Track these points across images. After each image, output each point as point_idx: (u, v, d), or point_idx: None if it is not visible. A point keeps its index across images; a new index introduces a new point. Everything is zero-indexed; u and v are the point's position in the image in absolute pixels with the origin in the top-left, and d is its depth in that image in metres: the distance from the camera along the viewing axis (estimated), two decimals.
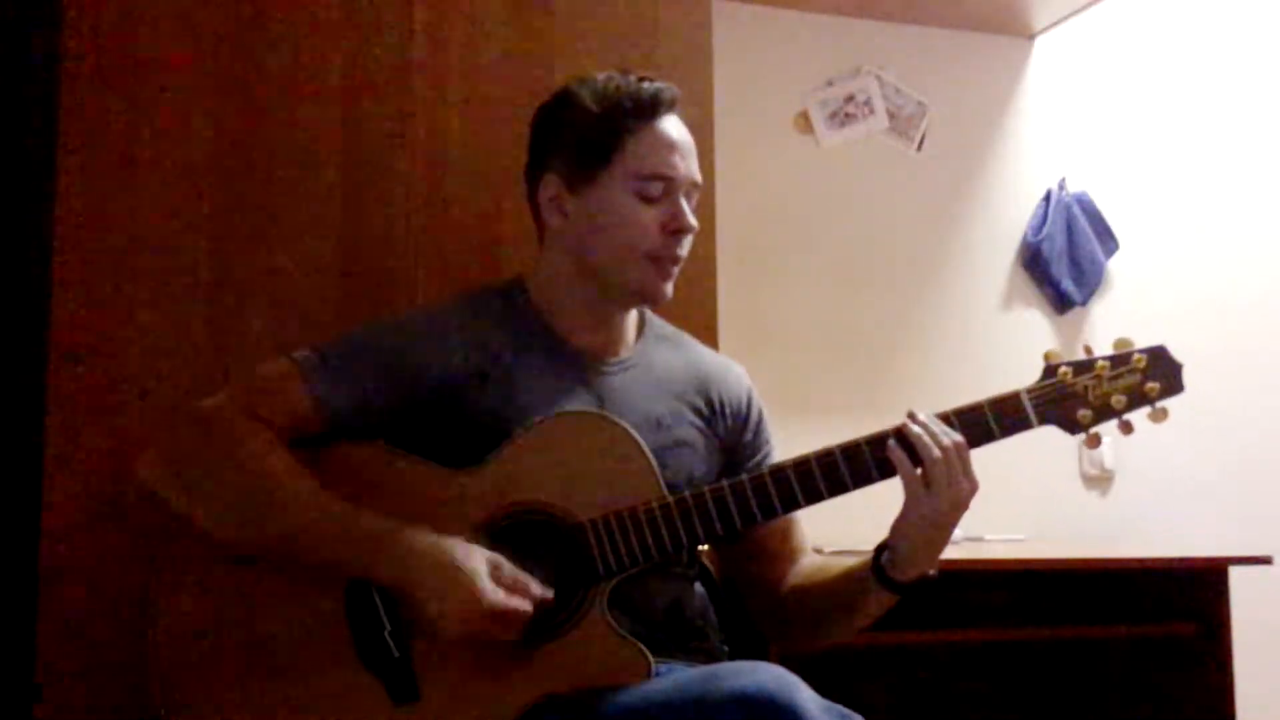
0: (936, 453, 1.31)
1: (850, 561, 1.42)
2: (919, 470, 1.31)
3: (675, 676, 1.27)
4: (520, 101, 1.69)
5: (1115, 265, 2.98)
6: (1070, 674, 2.52)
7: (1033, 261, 2.89)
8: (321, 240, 1.71)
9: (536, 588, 1.27)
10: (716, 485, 1.35)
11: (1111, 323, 2.94)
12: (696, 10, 1.93)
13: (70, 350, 1.59)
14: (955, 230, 2.88)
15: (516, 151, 1.56)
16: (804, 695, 1.14)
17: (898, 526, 1.35)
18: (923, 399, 2.89)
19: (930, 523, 1.32)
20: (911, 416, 1.34)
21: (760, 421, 1.58)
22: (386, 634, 1.29)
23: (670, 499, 1.34)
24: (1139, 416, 1.37)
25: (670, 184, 1.43)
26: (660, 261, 1.43)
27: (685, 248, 1.45)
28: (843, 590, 1.43)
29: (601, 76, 1.47)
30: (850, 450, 1.35)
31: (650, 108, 1.43)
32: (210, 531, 1.31)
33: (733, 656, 1.50)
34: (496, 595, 1.24)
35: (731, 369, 1.59)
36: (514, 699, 1.28)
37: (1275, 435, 2.97)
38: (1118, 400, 1.36)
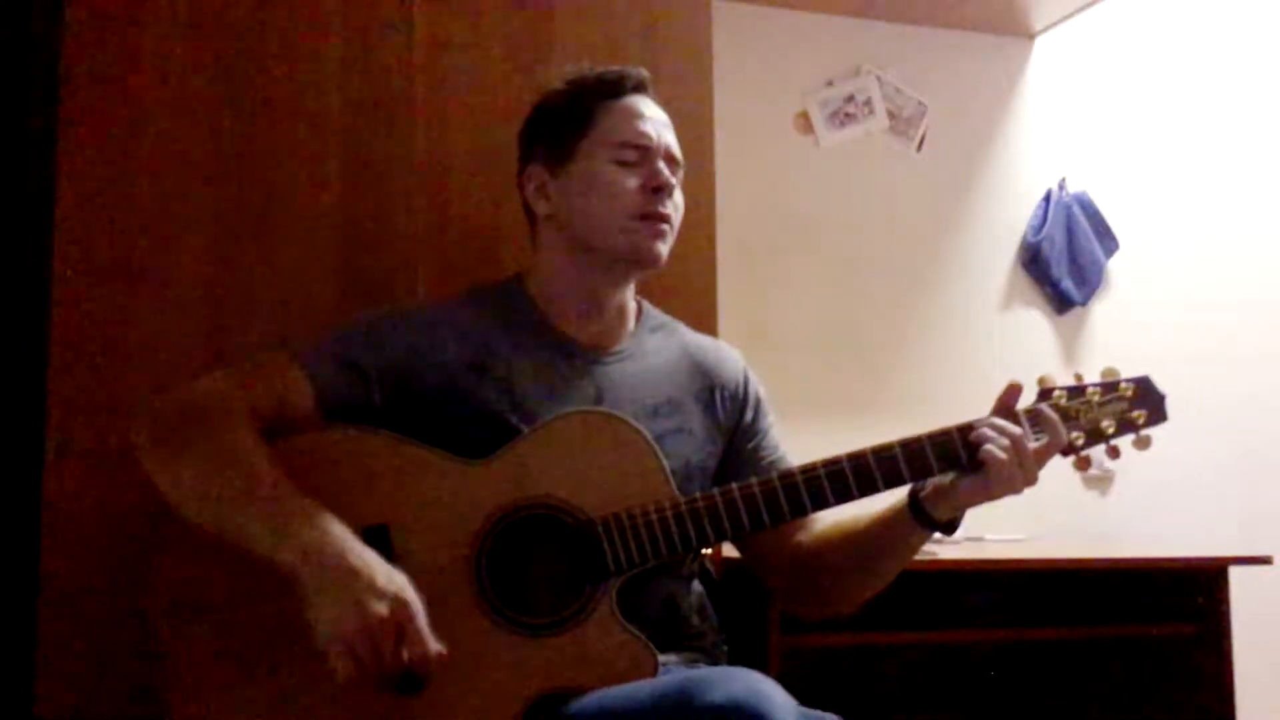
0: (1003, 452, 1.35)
1: (876, 509, 1.43)
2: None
3: (649, 686, 1.25)
4: (520, 102, 1.69)
5: (1115, 265, 2.97)
6: (1070, 674, 2.52)
7: (1033, 261, 2.89)
8: (321, 241, 1.71)
9: (435, 646, 1.18)
10: (727, 488, 1.36)
11: (1111, 323, 2.94)
12: (696, 10, 1.93)
13: (71, 350, 1.59)
14: (955, 230, 2.87)
15: (516, 151, 1.56)
16: (777, 704, 1.13)
17: (957, 485, 1.37)
18: (923, 399, 2.88)
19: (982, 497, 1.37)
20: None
21: (760, 403, 1.59)
22: None
23: (682, 501, 1.35)
24: (1124, 443, 1.42)
25: (646, 151, 1.47)
26: (648, 220, 1.46)
27: (671, 208, 1.48)
28: (880, 535, 1.43)
29: (570, 68, 1.55)
30: (858, 461, 1.36)
31: (615, 85, 1.50)
32: (175, 506, 1.29)
33: (732, 654, 1.50)
34: (380, 614, 1.15)
35: (727, 353, 1.61)
36: (519, 692, 1.27)
37: (1275, 435, 2.97)
38: (1107, 425, 1.41)
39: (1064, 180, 2.95)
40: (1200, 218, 3.07)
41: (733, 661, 1.49)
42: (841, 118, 2.80)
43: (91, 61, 1.65)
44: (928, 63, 2.86)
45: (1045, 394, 1.41)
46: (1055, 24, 2.90)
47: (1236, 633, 2.18)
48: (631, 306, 1.56)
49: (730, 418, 1.54)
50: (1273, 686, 2.55)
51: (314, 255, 1.71)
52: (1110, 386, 1.42)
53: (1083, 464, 1.42)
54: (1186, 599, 2.22)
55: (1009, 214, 2.91)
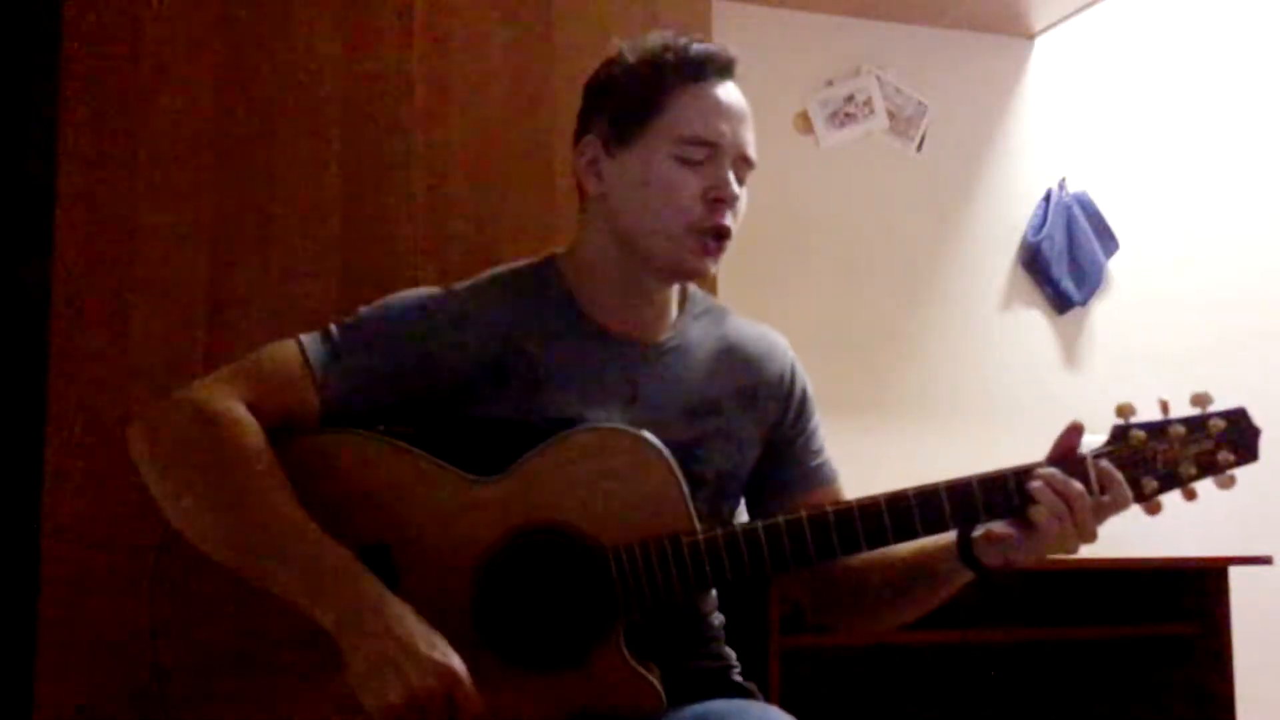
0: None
1: (920, 541, 1.30)
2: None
3: None
4: (520, 103, 1.69)
5: (1115, 265, 2.98)
6: (1070, 674, 2.52)
7: (1033, 261, 2.90)
8: (321, 243, 1.71)
9: (482, 709, 1.14)
10: (750, 525, 1.26)
11: (1111, 323, 2.94)
12: (696, 11, 1.93)
13: (71, 351, 1.59)
14: (955, 230, 2.88)
15: (517, 153, 1.56)
16: None
17: (1008, 537, 1.27)
18: (923, 399, 2.86)
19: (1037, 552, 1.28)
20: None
21: (803, 401, 1.47)
22: None
23: (701, 535, 1.24)
24: (1204, 484, 1.26)
25: (715, 150, 1.31)
26: (700, 234, 1.31)
27: (729, 220, 1.34)
28: (924, 569, 1.32)
29: (653, 36, 1.38)
30: (897, 503, 1.25)
31: (696, 67, 1.33)
32: (179, 527, 1.23)
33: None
34: (428, 686, 1.11)
35: (773, 346, 1.48)
36: None
37: (1275, 435, 2.97)
38: (1186, 469, 1.24)
39: (1064, 180, 2.95)
40: (1200, 217, 3.07)
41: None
42: (841, 118, 2.80)
43: (91, 61, 1.64)
44: (928, 63, 2.86)
45: (1121, 433, 1.24)
46: (1055, 24, 2.91)
47: (1236, 633, 2.19)
48: (675, 292, 1.42)
49: (771, 417, 1.43)
50: (1273, 686, 2.55)
51: (314, 255, 1.71)
52: (1197, 423, 1.24)
53: (1153, 509, 1.25)
54: (1186, 599, 2.22)
55: (1009, 214, 2.92)
